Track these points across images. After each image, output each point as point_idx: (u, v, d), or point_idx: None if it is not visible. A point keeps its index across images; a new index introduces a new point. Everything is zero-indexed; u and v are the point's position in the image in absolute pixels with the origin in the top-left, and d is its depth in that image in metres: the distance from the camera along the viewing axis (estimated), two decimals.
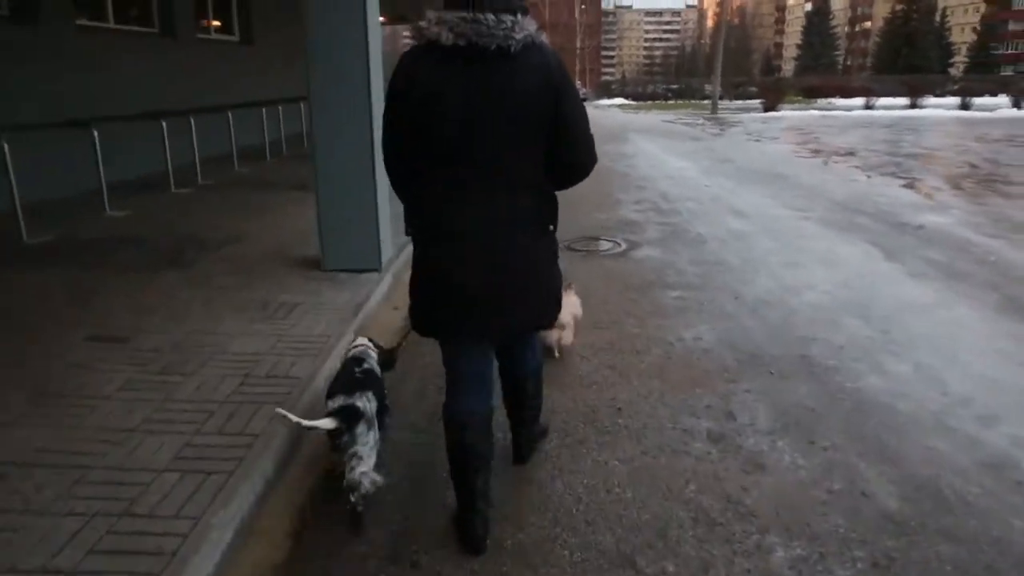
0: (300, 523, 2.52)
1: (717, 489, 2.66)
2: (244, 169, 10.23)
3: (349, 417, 2.44)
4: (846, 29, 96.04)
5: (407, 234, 2.27)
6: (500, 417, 2.62)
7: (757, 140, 16.66)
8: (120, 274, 4.98)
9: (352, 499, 2.42)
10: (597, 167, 2.28)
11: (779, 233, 6.67)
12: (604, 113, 28.68)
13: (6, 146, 5.95)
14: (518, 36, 1.97)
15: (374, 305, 4.52)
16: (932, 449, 2.91)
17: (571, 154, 2.16)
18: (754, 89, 47.49)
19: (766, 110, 28.69)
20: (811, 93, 41.25)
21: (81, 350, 3.63)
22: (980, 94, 29.50)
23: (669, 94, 48.10)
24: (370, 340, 3.05)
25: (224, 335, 3.86)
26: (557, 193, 2.25)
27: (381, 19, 17.92)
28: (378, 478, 2.44)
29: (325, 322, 4.07)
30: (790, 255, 5.89)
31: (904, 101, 29.96)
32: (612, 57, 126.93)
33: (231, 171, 10.05)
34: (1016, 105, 27.16)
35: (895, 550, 2.32)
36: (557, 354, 3.77)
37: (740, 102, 39.97)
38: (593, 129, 2.22)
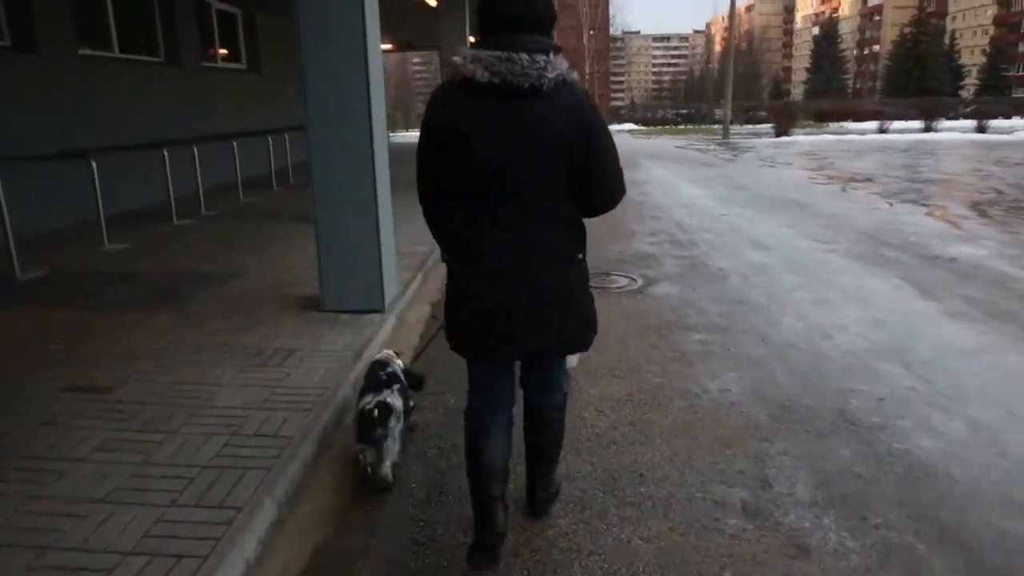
0: None
1: None
2: (250, 199, 10.05)
3: (382, 411, 2.78)
4: (855, 52, 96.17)
5: (443, 260, 2.36)
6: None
7: (771, 166, 16.39)
8: (110, 314, 4.73)
9: (385, 484, 2.82)
10: None
11: (804, 267, 6.36)
12: (614, 139, 28.42)
13: None
14: (550, 75, 2.03)
15: (376, 351, 4.22)
16: (1001, 530, 2.57)
17: (602, 188, 2.22)
18: (764, 113, 47.39)
19: (778, 135, 28.44)
20: (822, 117, 41.07)
21: (58, 403, 3.35)
22: (994, 116, 29.12)
23: (679, 119, 48.03)
24: (398, 355, 3.34)
25: (213, 385, 3.58)
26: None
27: (388, 46, 17.92)
28: (390, 470, 2.82)
29: (323, 371, 3.78)
30: (817, 291, 5.57)
31: (918, 124, 29.64)
32: (621, 82, 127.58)
33: (236, 201, 9.87)
34: None
35: None
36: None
37: (750, 127, 39.83)
38: None
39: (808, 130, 32.50)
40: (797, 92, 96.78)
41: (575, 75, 2.15)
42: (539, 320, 2.22)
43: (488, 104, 2.06)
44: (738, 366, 4.11)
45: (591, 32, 58.40)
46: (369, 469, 2.82)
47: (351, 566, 2.45)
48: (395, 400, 2.89)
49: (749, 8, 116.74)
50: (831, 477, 2.93)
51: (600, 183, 2.19)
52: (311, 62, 4.42)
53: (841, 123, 38.49)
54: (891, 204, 10.10)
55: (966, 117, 33.82)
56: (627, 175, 2.31)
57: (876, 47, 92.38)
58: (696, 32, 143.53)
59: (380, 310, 4.75)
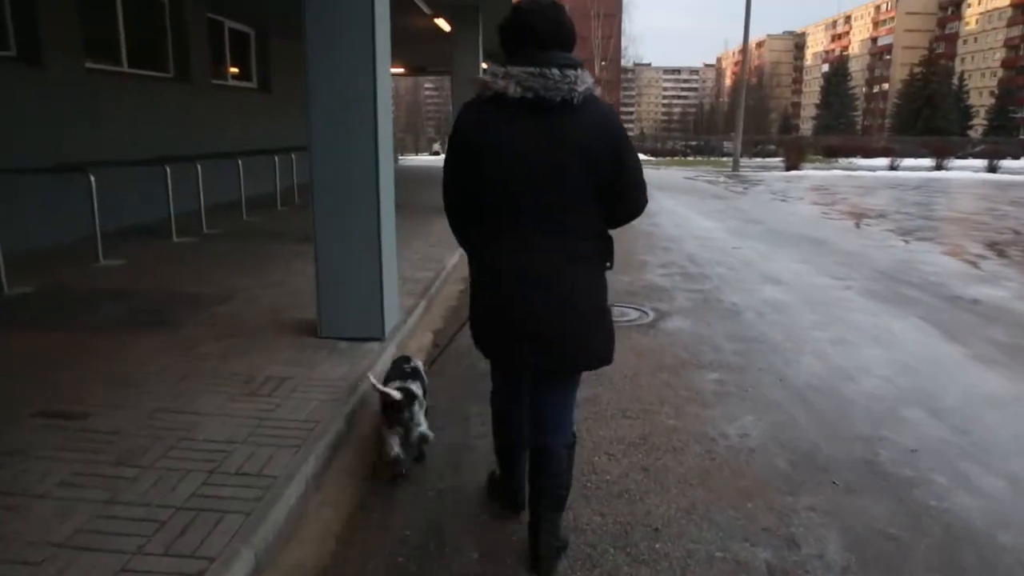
0: None
1: None
2: (253, 218, 9.89)
3: (409, 396, 3.06)
4: (863, 90, 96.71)
5: (470, 268, 2.45)
6: None
7: (783, 200, 16.22)
8: (96, 334, 4.51)
9: (420, 450, 3.20)
10: None
11: (821, 305, 6.12)
12: None
13: None
14: (580, 89, 2.10)
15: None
16: None
17: (630, 199, 2.28)
18: (772, 147, 47.49)
19: (788, 169, 28.36)
20: (831, 152, 41.11)
21: (26, 430, 3.12)
22: (1002, 156, 28.96)
23: (688, 150, 48.12)
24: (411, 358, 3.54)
25: (197, 415, 3.34)
26: None
27: (400, 70, 17.88)
28: (430, 433, 3.14)
29: (315, 403, 3.54)
30: (837, 331, 5.32)
31: (929, 162, 29.54)
32: (631, 113, 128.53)
33: (239, 220, 9.71)
34: None
35: None
36: None
37: (759, 160, 39.87)
38: None
39: (818, 165, 32.44)
40: (806, 127, 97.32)
41: (599, 90, 2.22)
42: (567, 330, 2.27)
43: (520, 118, 2.12)
44: (757, 409, 3.86)
45: (603, 63, 58.80)
46: (403, 455, 3.04)
47: None
48: (417, 389, 3.17)
49: (760, 44, 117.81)
50: (863, 538, 2.67)
51: (628, 194, 2.25)
52: (317, 80, 4.25)
53: (850, 159, 38.49)
54: (907, 242, 9.88)
55: (974, 157, 33.75)
56: None
57: (885, 85, 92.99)
58: (707, 66, 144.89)
59: (380, 338, 4.52)
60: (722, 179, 23.79)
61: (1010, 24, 79.87)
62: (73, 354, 4.13)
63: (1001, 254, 9.06)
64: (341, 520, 2.76)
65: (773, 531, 2.71)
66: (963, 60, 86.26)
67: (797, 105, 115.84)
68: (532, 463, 2.49)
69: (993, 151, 31.41)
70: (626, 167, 2.20)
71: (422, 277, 6.45)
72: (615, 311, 5.67)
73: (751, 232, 10.58)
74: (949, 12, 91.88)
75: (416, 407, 3.09)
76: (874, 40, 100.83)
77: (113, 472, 2.77)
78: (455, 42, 11.32)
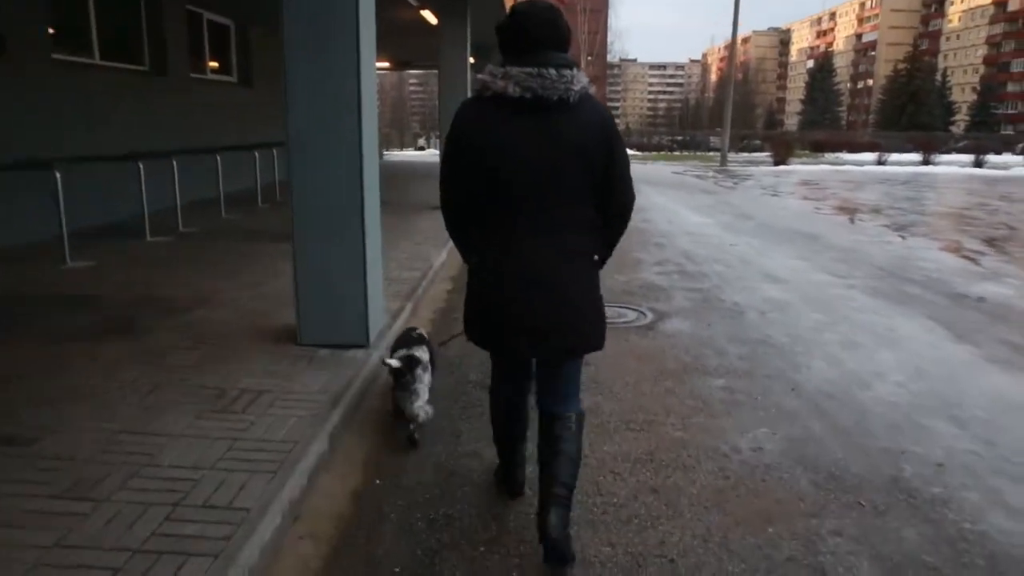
0: None
1: None
2: (232, 215, 9.54)
3: (411, 362, 3.26)
4: (848, 86, 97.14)
5: (466, 263, 2.51)
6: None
7: (774, 195, 16.03)
8: (55, 344, 4.19)
9: (411, 427, 3.27)
10: None
11: (825, 304, 5.89)
12: None
13: None
14: (576, 88, 2.17)
15: (357, 393, 3.70)
16: None
17: (620, 194, 2.35)
18: (758, 142, 47.47)
19: (776, 164, 28.24)
20: (817, 147, 41.12)
21: None
22: (986, 152, 28.91)
23: (674, 145, 48.01)
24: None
25: (163, 436, 3.04)
26: None
27: (386, 64, 17.48)
28: (430, 409, 3.29)
29: (293, 420, 3.25)
30: (844, 332, 5.09)
31: (915, 157, 29.52)
32: (617, 108, 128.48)
33: (217, 218, 9.36)
34: None
35: None
36: None
37: (746, 155, 39.78)
38: None
39: (805, 160, 32.36)
40: (791, 123, 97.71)
41: (594, 88, 2.33)
42: (563, 321, 2.33)
43: (519, 117, 2.19)
44: (769, 419, 3.61)
45: (589, 58, 58.52)
46: (405, 409, 3.25)
47: None
48: (423, 355, 3.37)
49: (745, 40, 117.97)
50: (899, 568, 2.42)
51: (618, 189, 2.33)
52: (298, 73, 3.94)
53: (837, 154, 38.50)
54: (903, 238, 9.69)
55: (958, 152, 33.82)
56: None
57: (870, 81, 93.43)
58: (692, 61, 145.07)
59: (364, 345, 4.23)
60: (711, 174, 23.61)
61: (992, 22, 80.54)
62: (28, 367, 3.81)
63: (999, 250, 8.89)
64: (322, 556, 2.47)
65: (799, 560, 2.46)
66: (946, 57, 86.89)
67: (782, 101, 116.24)
68: (542, 436, 2.52)
69: (977, 146, 31.46)
70: (615, 160, 2.29)
71: (408, 277, 6.16)
72: (612, 312, 5.42)
73: (745, 228, 10.36)
74: (933, 9, 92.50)
75: (420, 371, 3.29)
76: (859, 37, 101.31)
77: (62, 508, 2.46)
78: (442, 36, 10.99)
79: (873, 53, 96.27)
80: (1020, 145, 39.87)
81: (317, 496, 2.84)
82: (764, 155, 36.73)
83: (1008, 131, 64.91)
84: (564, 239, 2.29)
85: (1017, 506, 2.82)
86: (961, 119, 73.22)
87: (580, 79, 2.20)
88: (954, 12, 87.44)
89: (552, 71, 2.16)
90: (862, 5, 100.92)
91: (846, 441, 3.36)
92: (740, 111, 72.32)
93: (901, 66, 74.92)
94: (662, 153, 43.19)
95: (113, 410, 3.28)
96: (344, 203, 4.07)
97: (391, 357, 3.33)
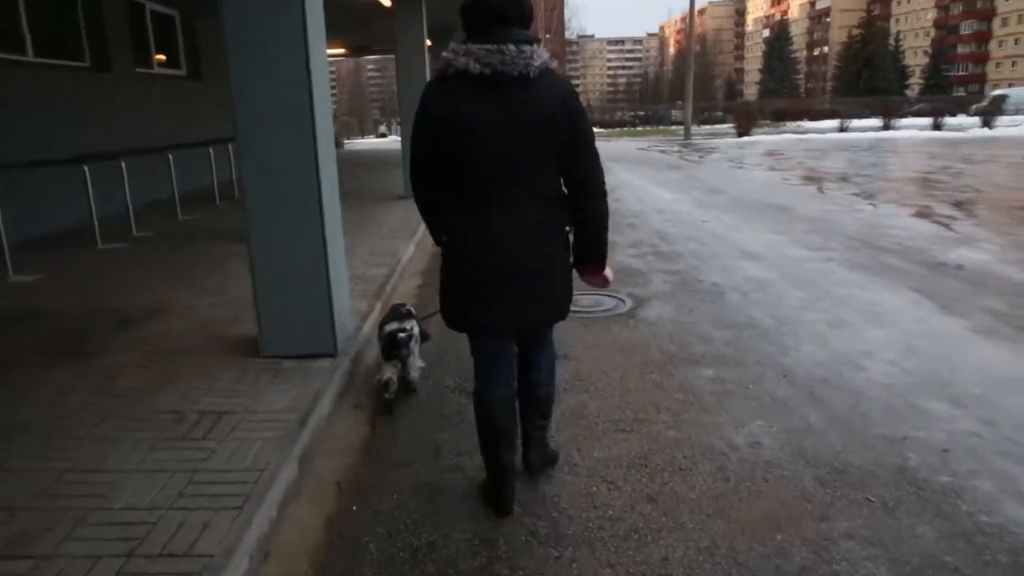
0: None
1: None
2: (189, 216, 9.14)
3: (403, 334, 3.54)
4: (804, 54, 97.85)
5: (437, 244, 2.59)
6: None
7: (740, 167, 15.97)
8: None
9: (411, 387, 3.68)
10: None
11: (805, 280, 5.76)
12: None
13: None
14: (536, 63, 2.21)
15: (327, 409, 3.46)
16: None
17: (585, 167, 2.36)
18: (720, 114, 47.65)
19: (740, 135, 28.29)
20: (779, 117, 41.37)
21: None
22: (942, 115, 29.23)
23: (636, 121, 48.00)
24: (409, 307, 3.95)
25: (115, 473, 2.77)
26: None
27: (341, 50, 16.91)
28: (421, 364, 3.75)
29: (259, 444, 3.00)
30: (829, 310, 4.96)
31: (877, 123, 29.77)
32: (577, 85, 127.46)
33: (174, 219, 8.96)
34: (986, 125, 27.04)
35: None
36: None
37: (708, 127, 39.89)
38: None
39: (767, 130, 32.49)
40: (751, 93, 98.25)
41: (555, 63, 2.33)
42: (533, 293, 2.40)
43: (481, 93, 2.22)
44: (763, 410, 3.45)
45: (547, 36, 58.09)
46: (393, 375, 3.54)
47: None
48: (413, 328, 3.67)
49: (701, 12, 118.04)
50: (918, 572, 2.27)
51: (583, 161, 2.35)
52: (241, 62, 3.65)
53: (798, 122, 38.75)
54: (874, 205, 9.66)
55: (915, 115, 34.21)
56: None
57: (825, 48, 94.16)
58: (650, 35, 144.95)
59: (332, 353, 3.98)
60: (675, 148, 23.53)
61: None
62: None
63: (969, 214, 8.89)
64: None
65: (813, 570, 2.30)
66: (897, 21, 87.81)
67: (740, 71, 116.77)
68: (520, 375, 2.73)
69: (933, 109, 31.82)
70: (578, 133, 2.31)
71: (375, 275, 5.89)
72: (589, 300, 5.24)
73: (715, 203, 10.24)
74: None
75: (412, 344, 3.63)
76: (812, 4, 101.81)
77: None
78: (398, 18, 10.61)
79: (827, 20, 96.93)
80: (974, 106, 40.50)
81: (288, 529, 2.61)
82: (726, 127, 36.85)
83: (960, 93, 66.06)
84: (531, 213, 2.34)
85: None
86: (915, 82, 74.28)
87: (540, 54, 2.23)
88: None
89: (512, 47, 2.19)
90: None
91: (845, 430, 3.21)
92: (700, 83, 72.43)
93: (855, 32, 75.75)
94: (625, 129, 43.12)
95: (59, 446, 2.99)
96: (300, 200, 3.80)
97: (383, 328, 3.66)
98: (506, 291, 2.37)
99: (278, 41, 3.60)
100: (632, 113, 51.44)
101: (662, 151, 22.43)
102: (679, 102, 52.71)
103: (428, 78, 11.41)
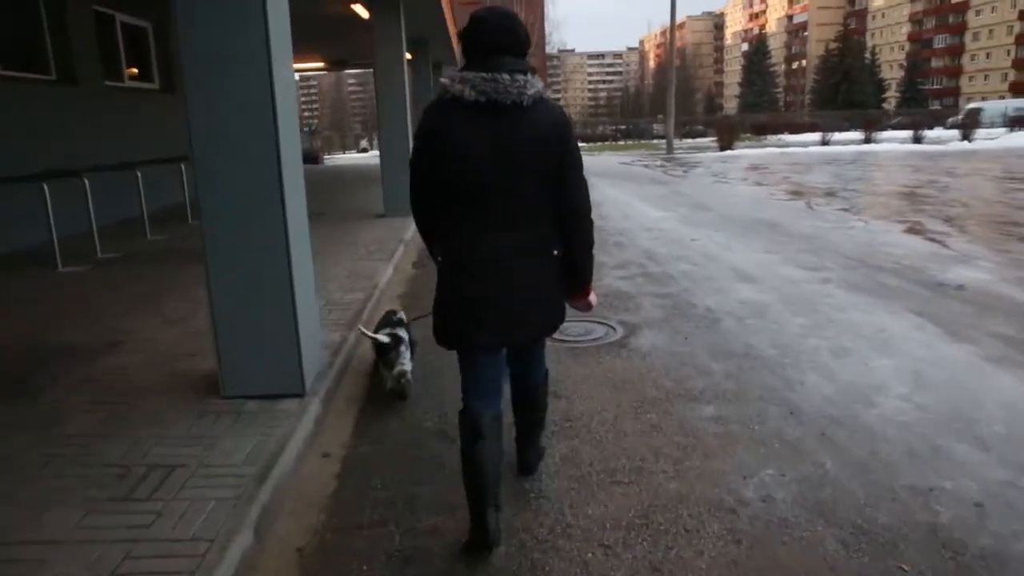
0: None
1: None
2: (158, 236, 8.74)
3: (396, 340, 3.79)
4: (783, 67, 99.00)
5: (435, 261, 2.56)
6: None
7: (725, 182, 15.80)
8: None
9: (401, 382, 3.78)
10: None
11: (803, 303, 5.50)
12: None
13: None
14: (529, 92, 2.29)
15: (292, 459, 3.11)
16: None
17: (573, 194, 2.42)
18: (700, 127, 47.82)
19: (722, 149, 28.25)
20: (760, 130, 41.56)
21: None
22: (921, 128, 29.37)
23: (618, 135, 48.04)
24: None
25: (42, 544, 2.41)
26: None
27: (319, 64, 16.56)
28: (410, 376, 3.83)
29: (211, 506, 2.65)
30: (832, 337, 4.69)
31: (857, 136, 29.89)
32: (559, 100, 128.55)
33: (142, 239, 8.56)
34: (966, 138, 27.23)
35: None
36: None
37: (690, 141, 39.97)
38: None
39: (749, 143, 32.55)
40: (730, 106, 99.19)
41: (548, 92, 2.40)
42: (525, 311, 2.47)
43: (476, 119, 2.29)
44: (772, 456, 3.15)
45: (528, 55, 58.06)
46: (388, 381, 3.80)
47: None
48: (404, 334, 3.88)
49: (681, 25, 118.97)
50: None
51: (571, 189, 2.42)
52: (198, 72, 3.32)
53: (779, 136, 38.95)
54: (865, 222, 9.46)
55: (893, 128, 34.45)
56: None
57: (803, 62, 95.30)
58: (630, 49, 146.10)
59: (299, 393, 3.63)
60: (659, 162, 23.41)
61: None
62: None
63: (961, 229, 8.71)
64: None
65: None
66: (873, 35, 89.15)
67: (720, 85, 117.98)
68: (513, 394, 2.90)
69: (912, 122, 32.03)
70: (571, 162, 2.39)
71: (351, 301, 5.55)
72: (579, 328, 4.94)
73: (703, 220, 10.01)
74: None
75: (403, 348, 3.81)
76: (790, 18, 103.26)
77: None
78: (376, 31, 10.32)
79: (805, 34, 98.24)
80: (950, 119, 40.95)
81: None
82: (708, 140, 36.92)
83: (936, 106, 67.00)
84: (522, 234, 2.40)
85: None
86: (892, 96, 75.31)
87: (534, 84, 2.31)
88: None
89: (506, 76, 2.26)
90: None
91: (865, 480, 2.92)
92: (680, 97, 72.81)
93: (833, 45, 76.72)
94: (607, 143, 43.08)
95: None
96: (263, 226, 3.47)
97: (376, 333, 3.89)
98: (500, 306, 2.43)
99: (237, 53, 3.28)
100: (614, 127, 51.46)
101: (645, 165, 22.28)
102: (660, 116, 52.90)
103: (407, 91, 11.20)
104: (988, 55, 74.25)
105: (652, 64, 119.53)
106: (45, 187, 6.87)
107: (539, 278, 2.47)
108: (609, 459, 3.16)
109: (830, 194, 12.67)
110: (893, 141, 27.79)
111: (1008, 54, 71.13)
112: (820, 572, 2.36)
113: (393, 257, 7.33)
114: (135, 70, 12.12)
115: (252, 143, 3.37)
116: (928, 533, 2.55)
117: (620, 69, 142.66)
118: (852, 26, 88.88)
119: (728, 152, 27.19)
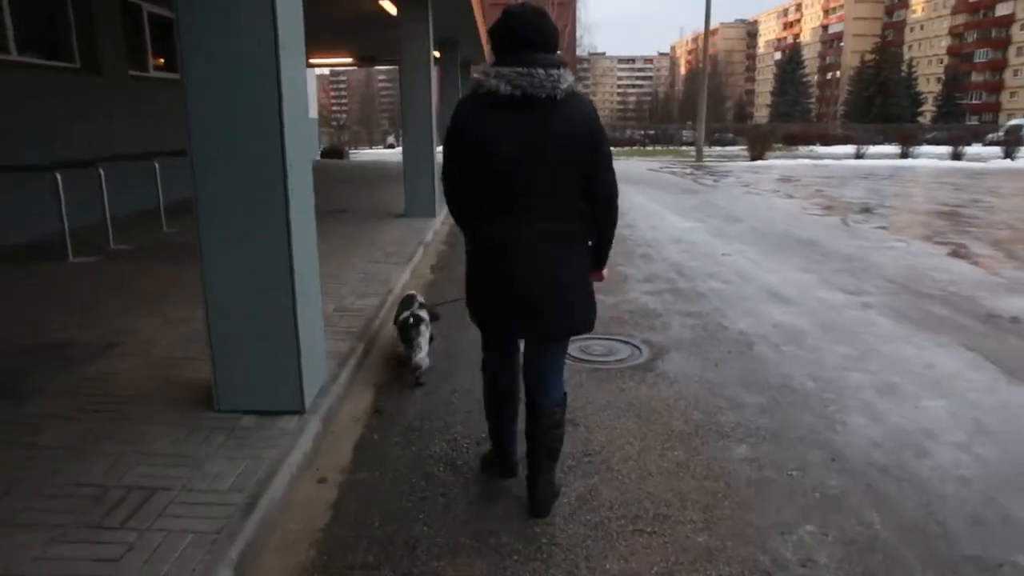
0: None
1: None
2: (174, 228, 8.57)
3: (416, 319, 4.08)
4: (816, 78, 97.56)
5: (466, 245, 2.68)
6: None
7: (757, 193, 15.36)
8: None
9: (415, 374, 4.03)
10: None
11: (844, 331, 5.13)
12: None
13: None
14: (563, 86, 2.35)
15: (284, 485, 2.84)
16: None
17: (604, 185, 2.52)
18: (730, 135, 47.15)
19: (753, 158, 27.68)
20: (791, 140, 40.83)
21: None
22: (961, 143, 28.53)
23: (647, 140, 47.52)
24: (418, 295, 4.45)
25: None
26: None
27: (348, 60, 16.40)
28: (427, 360, 4.08)
29: (188, 540, 2.38)
30: (876, 371, 4.33)
31: (892, 149, 29.16)
32: None
33: (158, 231, 8.40)
34: (1008, 156, 26.41)
35: None
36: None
37: (719, 148, 39.38)
38: None
39: (781, 154, 31.93)
40: (761, 115, 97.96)
41: (580, 87, 2.46)
42: (554, 303, 2.51)
43: (510, 112, 2.36)
44: (813, 509, 2.82)
45: (559, 52, 57.73)
46: (410, 358, 4.02)
47: None
48: (424, 314, 4.15)
49: (713, 32, 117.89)
50: None
51: (602, 181, 2.50)
52: (196, 60, 3.07)
53: (810, 147, 38.21)
54: (905, 242, 9.02)
55: (929, 143, 33.60)
56: None
57: (837, 73, 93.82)
58: (661, 55, 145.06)
59: (298, 410, 3.37)
60: (688, 170, 22.98)
61: (954, 12, 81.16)
62: None
63: (1010, 254, 8.25)
64: None
65: None
66: (910, 47, 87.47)
67: (751, 93, 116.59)
68: (528, 419, 2.75)
69: (950, 138, 31.18)
70: (602, 155, 2.46)
71: (363, 307, 5.29)
72: (602, 347, 4.64)
73: (734, 233, 9.63)
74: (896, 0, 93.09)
75: (423, 328, 4.06)
76: (825, 28, 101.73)
77: None
78: (403, 29, 10.09)
79: (840, 44, 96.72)
80: (989, 136, 39.94)
81: None
82: (737, 149, 36.34)
83: (973, 121, 65.55)
84: (554, 225, 2.45)
85: None
86: (927, 110, 73.85)
87: (566, 78, 2.36)
88: (917, 2, 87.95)
89: (540, 71, 2.32)
90: None
91: (921, 547, 2.58)
92: (710, 104, 72.06)
93: (869, 57, 75.45)
94: (635, 148, 42.61)
95: None
96: (264, 227, 3.20)
97: (397, 319, 4.20)
98: (526, 298, 2.49)
99: (241, 40, 3.02)
100: (642, 132, 50.87)
101: (674, 173, 21.87)
102: (690, 122, 52.33)
103: (432, 91, 10.93)
104: None
105: (683, 70, 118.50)
106: (58, 177, 6.71)
107: (567, 272, 2.53)
108: (631, 503, 2.85)
109: (867, 210, 12.20)
110: (931, 157, 27.05)
111: None
112: None
113: (411, 261, 7.07)
114: (162, 60, 12.01)
115: (254, 138, 3.11)
116: None
117: (650, 74, 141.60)
118: (890, 37, 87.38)
119: (759, 162, 26.63)
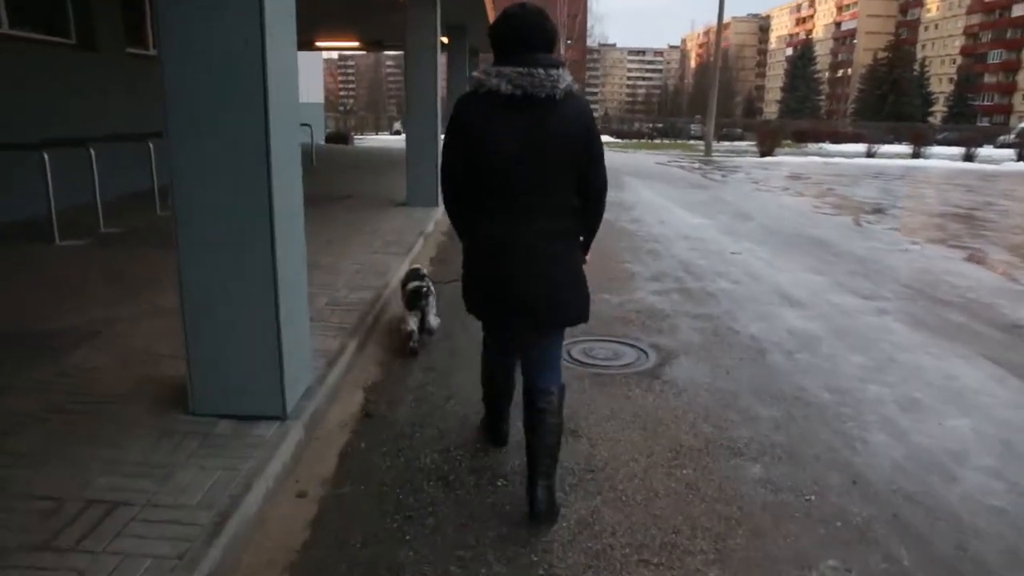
0: None
1: None
2: (168, 211, 8.28)
3: (428, 290, 4.38)
4: (827, 74, 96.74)
5: (462, 242, 2.74)
6: None
7: (767, 190, 15.06)
8: None
9: (411, 342, 4.28)
10: None
11: (860, 338, 4.88)
12: None
13: None
14: (562, 86, 2.40)
15: (258, 500, 2.61)
16: None
17: (595, 181, 2.59)
18: (739, 131, 46.71)
19: (762, 155, 27.31)
20: (800, 137, 40.42)
21: None
22: (973, 144, 28.11)
23: (655, 133, 47.12)
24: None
25: None
26: None
27: (354, 44, 16.10)
28: (437, 319, 4.45)
29: (146, 565, 2.15)
30: (896, 384, 4.09)
31: (904, 149, 28.78)
32: (596, 94, 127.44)
33: (151, 213, 8.14)
34: (1021, 159, 26.02)
35: None
36: None
37: (728, 143, 38.99)
38: None
39: (790, 151, 31.56)
40: (770, 111, 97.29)
41: (577, 85, 2.49)
42: (548, 296, 2.55)
43: (510, 111, 2.40)
44: (834, 541, 2.59)
45: (568, 42, 57.30)
46: (416, 327, 4.30)
47: None
48: (431, 285, 4.46)
49: (725, 26, 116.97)
50: None
51: (594, 178, 2.58)
52: (174, 34, 2.83)
53: (820, 144, 37.82)
54: (920, 245, 8.76)
55: (939, 144, 33.19)
56: (614, 196, 2.71)
57: (849, 70, 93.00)
58: (671, 47, 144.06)
59: (279, 416, 3.13)
60: (696, 165, 22.66)
61: (969, 12, 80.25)
62: None
63: None
64: None
65: None
66: (924, 47, 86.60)
67: (761, 88, 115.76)
68: (525, 410, 2.70)
69: (962, 139, 30.75)
70: (595, 154, 2.53)
71: (356, 300, 5.05)
72: (607, 351, 4.40)
73: (744, 231, 9.37)
74: None
75: (431, 297, 4.36)
76: (838, 24, 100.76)
77: None
78: (409, 14, 9.79)
79: (853, 41, 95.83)
80: (1001, 138, 39.47)
81: None
82: (746, 144, 35.95)
83: (984, 123, 64.93)
84: (551, 224, 2.50)
85: None
86: (938, 110, 73.20)
87: (565, 78, 2.41)
88: (932, 1, 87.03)
89: (541, 71, 2.37)
90: None
91: None
92: (720, 98, 71.59)
93: (882, 55, 74.73)
94: (643, 141, 42.23)
95: None
96: (244, 216, 2.96)
97: (405, 286, 4.45)
98: (523, 297, 2.52)
99: (223, 14, 2.77)
100: (650, 125, 50.43)
101: (682, 167, 21.56)
102: (698, 116, 51.87)
103: (437, 80, 10.65)
104: None
105: (693, 64, 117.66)
106: (45, 156, 6.46)
107: (563, 270, 2.57)
108: (636, 529, 2.62)
109: (879, 211, 11.92)
110: (942, 157, 26.67)
111: None
112: None
113: (411, 252, 6.83)
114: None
115: (236, 120, 2.86)
116: None
117: (660, 67, 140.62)
118: (903, 36, 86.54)
119: (768, 158, 26.28)
